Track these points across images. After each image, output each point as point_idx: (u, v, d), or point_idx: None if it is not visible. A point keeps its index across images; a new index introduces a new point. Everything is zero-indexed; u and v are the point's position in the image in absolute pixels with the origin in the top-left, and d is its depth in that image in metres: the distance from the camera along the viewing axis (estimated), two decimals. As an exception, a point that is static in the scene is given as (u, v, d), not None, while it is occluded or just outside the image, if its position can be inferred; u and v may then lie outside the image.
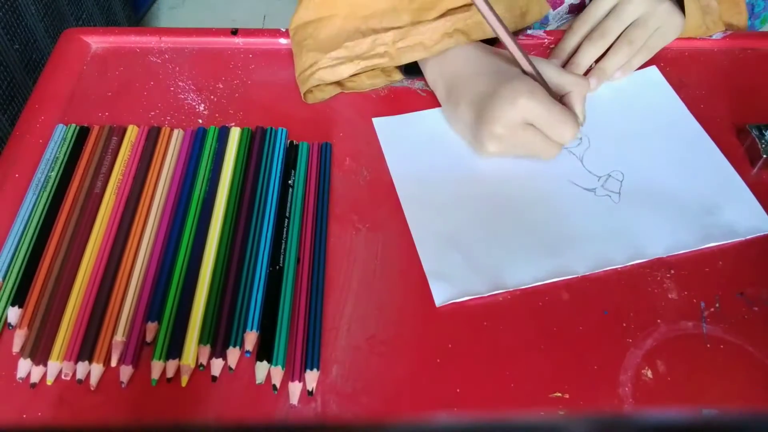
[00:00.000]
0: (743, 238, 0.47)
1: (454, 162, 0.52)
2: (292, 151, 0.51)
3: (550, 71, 0.49)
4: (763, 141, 0.51)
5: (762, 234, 0.47)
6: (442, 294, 0.44)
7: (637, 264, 0.45)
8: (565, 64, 0.56)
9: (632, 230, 0.47)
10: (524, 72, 0.48)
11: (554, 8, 0.65)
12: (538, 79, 0.48)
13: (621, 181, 0.50)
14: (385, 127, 0.54)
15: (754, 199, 0.49)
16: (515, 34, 0.56)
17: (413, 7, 0.53)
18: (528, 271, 0.45)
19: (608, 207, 0.49)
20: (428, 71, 0.54)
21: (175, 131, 0.52)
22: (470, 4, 0.50)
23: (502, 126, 0.47)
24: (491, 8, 0.45)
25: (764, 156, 0.50)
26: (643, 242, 0.46)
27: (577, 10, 0.65)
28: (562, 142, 0.48)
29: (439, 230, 0.47)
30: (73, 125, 0.52)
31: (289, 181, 0.49)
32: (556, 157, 0.50)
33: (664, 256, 0.46)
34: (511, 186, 0.50)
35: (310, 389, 0.39)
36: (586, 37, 0.55)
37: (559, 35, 0.61)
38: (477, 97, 0.49)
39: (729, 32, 0.60)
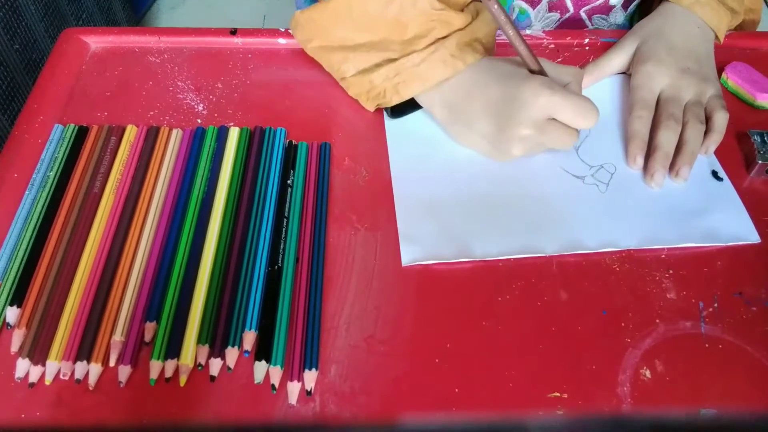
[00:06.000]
0: (724, 244, 0.47)
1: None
2: (291, 151, 0.51)
3: (548, 66, 0.49)
4: (763, 148, 0.50)
5: (743, 243, 0.47)
6: (409, 254, 0.45)
7: (635, 264, 0.45)
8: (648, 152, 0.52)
9: (611, 220, 0.48)
10: (531, 71, 0.48)
11: (533, 6, 0.64)
12: (545, 75, 0.48)
13: (612, 174, 0.51)
14: None
15: (743, 210, 0.48)
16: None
17: (405, 38, 0.50)
18: (498, 243, 0.46)
19: (593, 195, 0.49)
20: (422, 94, 0.52)
21: (174, 131, 0.52)
22: (456, 30, 0.49)
23: (528, 127, 0.47)
24: (501, 7, 0.45)
25: (759, 162, 0.50)
26: (619, 232, 0.47)
27: (556, 8, 0.65)
28: (587, 126, 0.47)
29: (422, 197, 0.49)
30: (72, 125, 0.51)
31: (288, 181, 0.49)
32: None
33: (636, 248, 0.46)
34: (503, 166, 0.51)
35: (309, 389, 0.39)
36: (654, 121, 0.52)
37: (559, 36, 0.60)
38: (493, 106, 0.48)
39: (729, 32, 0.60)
